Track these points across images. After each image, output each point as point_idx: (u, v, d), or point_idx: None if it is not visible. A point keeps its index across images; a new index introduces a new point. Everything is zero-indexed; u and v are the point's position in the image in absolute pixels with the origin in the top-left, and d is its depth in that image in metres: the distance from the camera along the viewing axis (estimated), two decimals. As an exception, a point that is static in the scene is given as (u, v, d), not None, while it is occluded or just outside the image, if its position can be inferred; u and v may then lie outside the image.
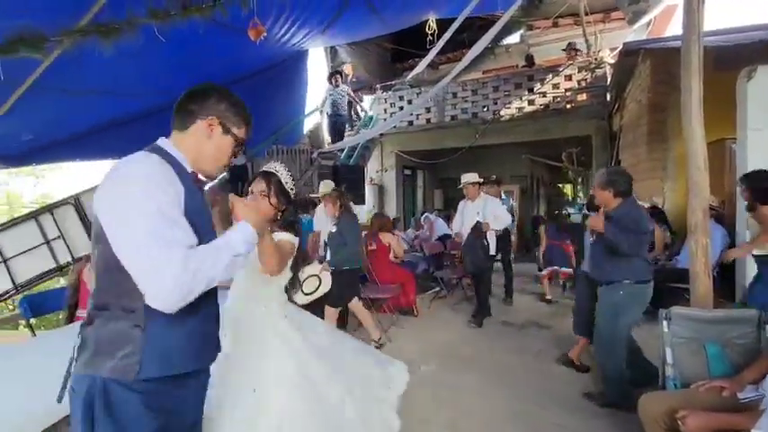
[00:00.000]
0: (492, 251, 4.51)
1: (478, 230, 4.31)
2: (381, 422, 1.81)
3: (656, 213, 4.35)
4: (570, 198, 12.20)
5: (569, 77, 7.29)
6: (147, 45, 2.55)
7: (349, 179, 6.41)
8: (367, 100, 9.77)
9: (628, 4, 6.34)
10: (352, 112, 8.33)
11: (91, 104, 3.83)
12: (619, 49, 5.85)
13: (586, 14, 7.31)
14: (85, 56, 2.54)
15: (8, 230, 4.10)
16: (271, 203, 1.60)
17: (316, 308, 3.59)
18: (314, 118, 8.31)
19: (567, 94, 7.28)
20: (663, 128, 4.96)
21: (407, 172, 10.34)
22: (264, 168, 1.70)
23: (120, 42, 2.46)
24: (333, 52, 9.08)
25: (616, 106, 6.93)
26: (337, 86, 7.57)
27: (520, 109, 7.61)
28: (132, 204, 0.93)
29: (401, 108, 8.46)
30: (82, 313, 2.39)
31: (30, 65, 2.66)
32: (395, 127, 8.34)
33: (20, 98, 3.03)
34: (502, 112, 7.73)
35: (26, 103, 3.13)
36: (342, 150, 7.89)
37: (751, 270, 2.93)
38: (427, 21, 5.75)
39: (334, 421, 1.60)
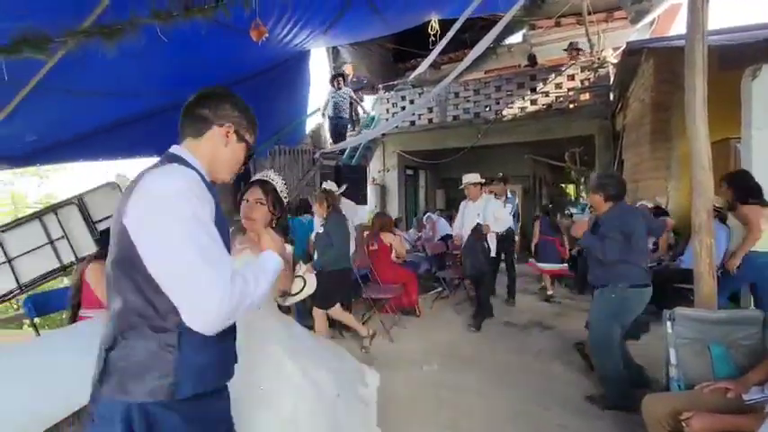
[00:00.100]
0: (493, 253, 4.48)
1: (479, 232, 4.28)
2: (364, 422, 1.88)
3: (660, 213, 4.32)
4: (573, 198, 12.15)
5: (572, 77, 7.26)
6: (150, 46, 2.56)
7: (351, 179, 6.40)
8: (369, 100, 9.77)
9: (631, 4, 6.32)
10: (353, 113, 8.33)
11: (94, 105, 3.85)
12: (622, 49, 5.83)
13: (589, 14, 7.27)
14: (89, 57, 2.55)
15: (13, 230, 4.11)
16: (270, 211, 1.64)
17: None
18: (316, 118, 8.31)
19: (570, 93, 7.26)
20: (666, 127, 4.93)
21: (409, 172, 10.33)
22: (258, 176, 1.73)
23: (123, 43, 2.46)
24: (335, 52, 9.08)
25: (619, 106, 6.89)
26: (339, 89, 7.56)
27: (522, 109, 7.59)
28: (176, 224, 0.89)
29: (403, 108, 8.47)
30: (85, 313, 2.40)
31: (33, 66, 2.66)
32: (397, 127, 8.35)
33: (24, 99, 3.04)
34: (504, 112, 7.71)
35: (30, 103, 3.14)
36: (344, 151, 7.89)
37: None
38: (429, 21, 5.75)
39: (333, 420, 1.63)
